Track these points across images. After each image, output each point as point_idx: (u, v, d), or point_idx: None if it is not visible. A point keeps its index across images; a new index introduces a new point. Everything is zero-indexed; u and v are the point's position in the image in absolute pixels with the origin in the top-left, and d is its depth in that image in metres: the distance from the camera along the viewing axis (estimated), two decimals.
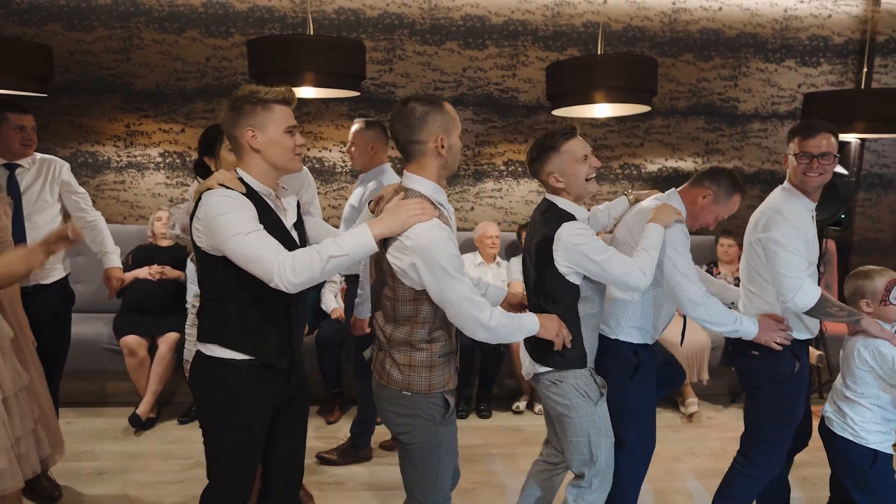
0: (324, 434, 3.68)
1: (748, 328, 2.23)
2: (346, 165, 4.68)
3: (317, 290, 4.12)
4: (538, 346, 2.09)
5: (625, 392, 2.26)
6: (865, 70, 4.94)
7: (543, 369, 2.13)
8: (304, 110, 4.56)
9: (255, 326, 1.78)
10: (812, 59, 4.97)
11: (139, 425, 3.60)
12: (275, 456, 1.94)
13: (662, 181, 4.97)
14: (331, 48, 3.26)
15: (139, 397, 3.70)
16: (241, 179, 1.78)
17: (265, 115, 1.75)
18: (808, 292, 2.15)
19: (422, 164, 1.80)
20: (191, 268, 2.57)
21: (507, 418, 4.00)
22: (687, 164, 4.98)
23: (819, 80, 4.99)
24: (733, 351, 2.47)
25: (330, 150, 4.64)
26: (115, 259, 3.19)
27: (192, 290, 2.44)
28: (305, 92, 3.48)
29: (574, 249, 2.00)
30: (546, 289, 2.09)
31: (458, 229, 4.74)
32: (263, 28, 4.44)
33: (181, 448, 3.42)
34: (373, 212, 1.93)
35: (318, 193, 4.69)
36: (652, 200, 2.33)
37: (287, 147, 1.77)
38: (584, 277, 2.07)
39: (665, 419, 4.00)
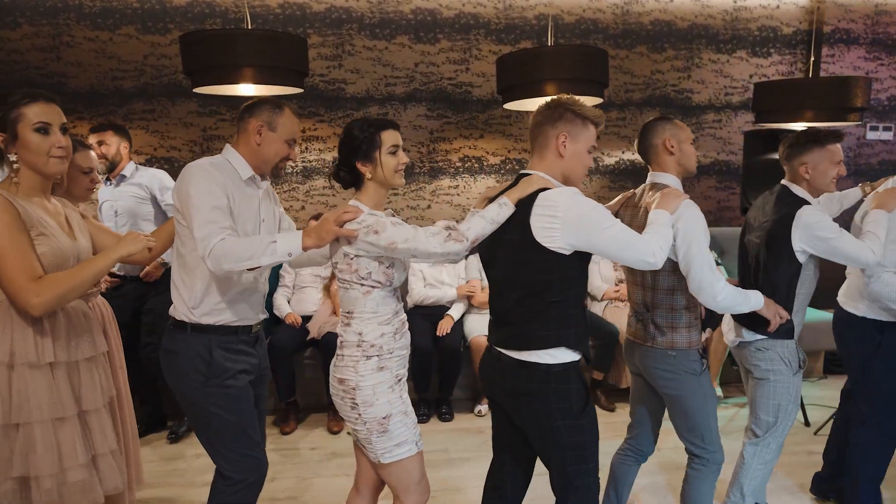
0: (281, 446, 3.53)
1: None
2: (296, 165, 4.51)
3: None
4: (753, 316, 2.28)
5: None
6: (812, 59, 4.99)
7: (754, 337, 2.35)
8: None
9: (582, 324, 1.89)
10: (762, 50, 5.00)
11: None
12: None
13: (619, 174, 4.94)
14: (270, 43, 3.10)
15: None
16: None
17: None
18: None
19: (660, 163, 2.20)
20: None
21: (470, 420, 3.91)
22: None
23: (770, 70, 5.03)
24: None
25: None
26: None
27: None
28: (244, 89, 3.32)
29: (810, 229, 2.22)
30: (771, 265, 2.30)
31: None
32: (204, 23, 4.24)
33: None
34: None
35: None
36: (888, 183, 2.56)
37: None
38: (810, 257, 2.30)
39: (628, 414, 3.96)
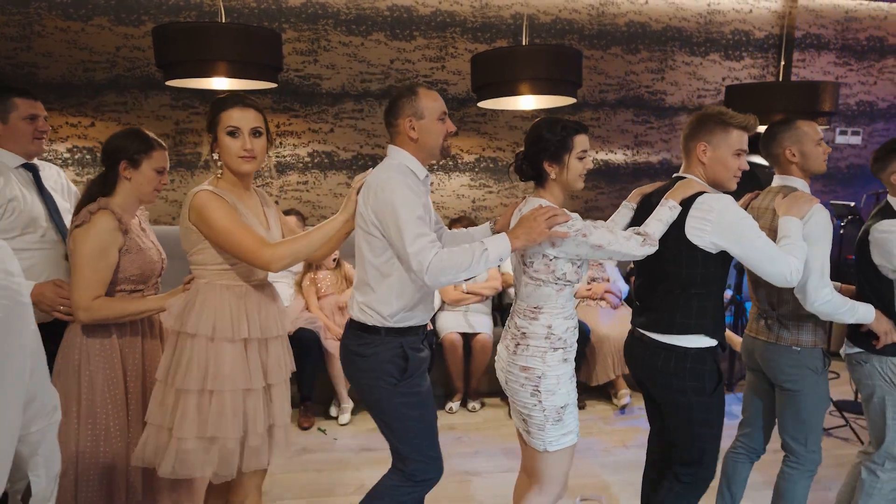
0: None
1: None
2: (269, 160, 4.49)
3: None
4: (856, 328, 2.26)
5: None
6: (783, 63, 5.08)
7: (855, 350, 2.29)
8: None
9: (719, 314, 2.05)
10: (735, 53, 5.08)
11: None
12: None
13: (593, 174, 4.99)
14: (244, 37, 3.09)
15: None
16: None
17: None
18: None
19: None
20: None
21: (443, 417, 3.93)
22: (617, 157, 5.02)
23: (742, 73, 5.11)
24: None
25: None
26: None
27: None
28: (218, 83, 3.30)
29: (882, 244, 2.15)
30: (865, 280, 2.25)
31: None
32: (178, 16, 4.21)
33: None
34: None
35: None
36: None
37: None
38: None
39: (598, 411, 4.01)
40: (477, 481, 3.09)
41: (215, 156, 1.88)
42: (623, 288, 4.44)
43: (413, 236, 1.79)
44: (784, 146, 2.21)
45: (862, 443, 3.57)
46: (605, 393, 4.22)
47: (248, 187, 1.97)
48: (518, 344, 1.97)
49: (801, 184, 2.23)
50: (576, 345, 2.03)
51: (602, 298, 4.32)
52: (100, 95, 4.24)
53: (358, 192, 1.97)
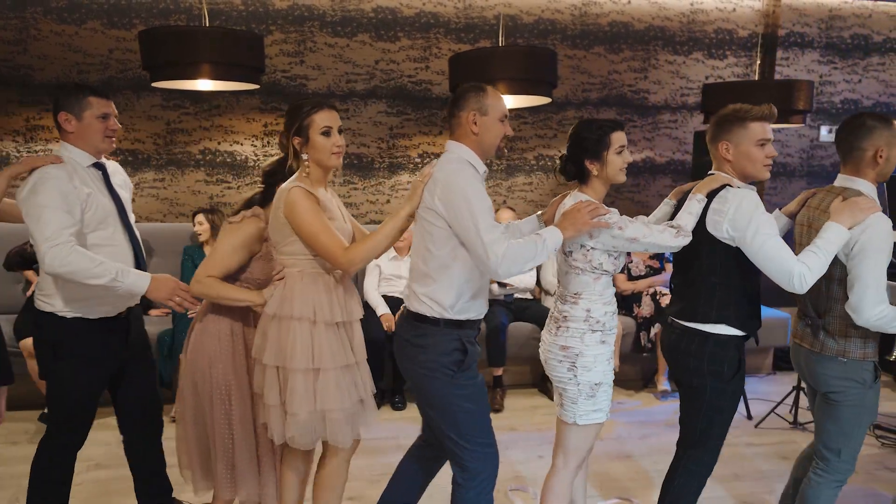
0: None
1: None
2: (257, 159, 4.62)
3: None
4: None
5: None
6: (759, 62, 5.13)
7: None
8: (214, 103, 4.47)
9: (745, 308, 2.12)
10: (718, 52, 5.14)
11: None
12: None
13: None
14: (226, 40, 3.21)
15: (40, 399, 3.58)
16: None
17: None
18: None
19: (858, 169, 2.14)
20: None
21: (410, 410, 4.02)
22: None
23: (725, 72, 5.17)
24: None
25: (241, 144, 4.57)
26: None
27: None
28: (203, 84, 3.42)
29: None
30: None
31: (374, 222, 4.74)
32: (168, 19, 4.33)
33: (83, 450, 3.33)
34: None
35: (230, 188, 4.63)
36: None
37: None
38: None
39: None
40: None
41: (304, 156, 2.05)
42: None
43: (487, 227, 1.89)
44: (877, 145, 2.04)
45: None
46: None
47: (326, 183, 2.16)
48: (559, 326, 2.13)
49: (867, 187, 2.09)
50: (615, 329, 2.16)
51: None
52: None
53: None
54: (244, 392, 2.24)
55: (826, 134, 5.36)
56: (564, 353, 2.09)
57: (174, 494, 2.64)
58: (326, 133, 2.02)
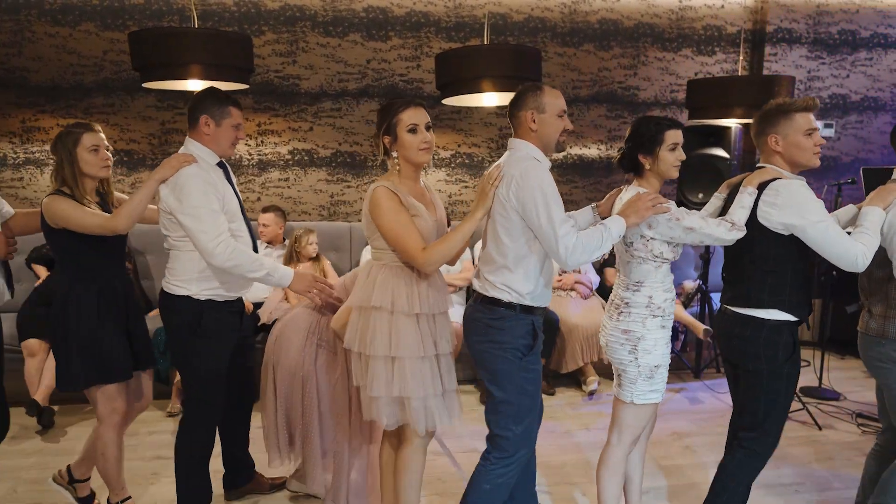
0: None
1: None
2: (252, 158, 4.67)
3: None
4: None
5: None
6: (742, 57, 5.17)
7: None
8: None
9: (797, 295, 2.19)
10: (707, 48, 5.18)
11: (38, 411, 3.54)
12: None
13: (568, 168, 5.12)
14: (215, 41, 3.26)
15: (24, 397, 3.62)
16: None
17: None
18: None
19: None
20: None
21: None
22: (591, 152, 5.15)
23: (714, 68, 5.22)
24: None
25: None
26: None
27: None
28: (192, 85, 3.47)
29: None
30: None
31: None
32: (162, 20, 4.39)
33: (78, 444, 3.40)
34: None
35: None
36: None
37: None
38: None
39: (566, 397, 4.15)
40: (442, 460, 3.27)
41: (394, 153, 2.14)
42: (594, 279, 4.57)
43: (560, 220, 2.01)
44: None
45: (819, 428, 3.69)
46: (575, 380, 4.36)
47: (419, 178, 2.24)
48: (621, 312, 2.23)
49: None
50: (672, 315, 2.27)
51: (572, 289, 4.46)
52: (88, 98, 4.43)
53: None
54: (322, 378, 2.62)
55: None
56: (626, 337, 2.20)
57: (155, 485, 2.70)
58: (413, 130, 2.10)
